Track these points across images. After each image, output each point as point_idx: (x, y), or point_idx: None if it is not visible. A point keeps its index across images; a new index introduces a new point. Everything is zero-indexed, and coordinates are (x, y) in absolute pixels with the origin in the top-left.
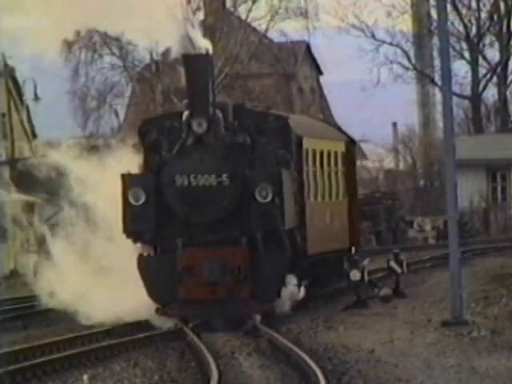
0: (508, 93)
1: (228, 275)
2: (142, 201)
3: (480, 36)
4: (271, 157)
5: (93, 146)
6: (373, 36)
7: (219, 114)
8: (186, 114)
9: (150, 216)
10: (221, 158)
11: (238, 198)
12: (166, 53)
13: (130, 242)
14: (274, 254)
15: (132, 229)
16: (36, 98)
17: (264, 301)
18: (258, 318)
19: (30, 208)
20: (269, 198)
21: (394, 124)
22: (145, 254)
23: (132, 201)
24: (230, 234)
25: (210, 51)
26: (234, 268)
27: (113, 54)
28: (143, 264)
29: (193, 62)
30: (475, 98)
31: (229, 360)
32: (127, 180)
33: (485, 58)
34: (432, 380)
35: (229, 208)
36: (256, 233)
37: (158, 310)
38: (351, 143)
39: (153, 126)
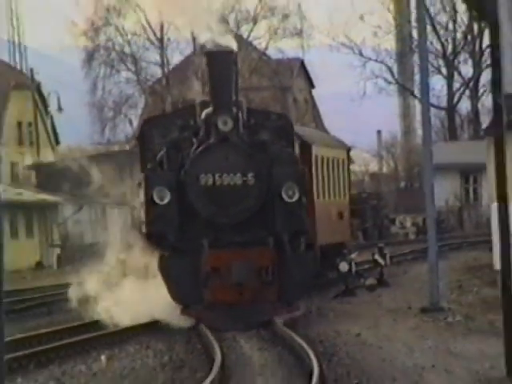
0: (479, 105)
1: (255, 277)
2: (166, 200)
3: (455, 54)
4: (290, 156)
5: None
6: (360, 53)
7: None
8: (205, 111)
9: (174, 216)
10: (246, 156)
11: (264, 198)
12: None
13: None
14: (302, 255)
15: (156, 229)
16: (59, 108)
17: (290, 303)
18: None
19: (53, 207)
20: (295, 198)
21: (379, 132)
22: (166, 254)
23: (156, 199)
24: (257, 235)
25: (235, 49)
26: (262, 269)
27: (128, 69)
28: (165, 265)
29: (217, 58)
30: (450, 109)
31: (231, 343)
32: (151, 178)
33: (459, 73)
34: (412, 360)
35: (254, 208)
36: (283, 233)
37: (183, 311)
38: (348, 150)
39: (168, 123)
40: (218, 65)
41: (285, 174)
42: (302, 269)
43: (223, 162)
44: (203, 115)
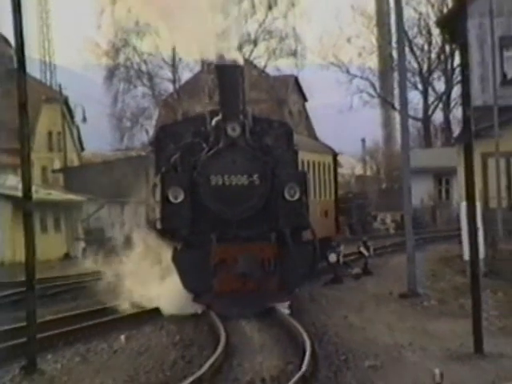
0: (451, 116)
1: (259, 268)
2: (180, 199)
3: (430, 72)
4: (292, 159)
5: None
6: (347, 71)
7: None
8: (215, 119)
9: (187, 213)
10: (252, 159)
11: (268, 197)
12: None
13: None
14: (303, 248)
15: (170, 225)
16: (84, 119)
17: (290, 292)
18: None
19: (78, 205)
20: (296, 197)
21: (363, 140)
22: (179, 247)
23: (171, 198)
24: (260, 230)
25: (241, 63)
26: (265, 261)
27: (144, 85)
28: (178, 257)
29: (226, 71)
30: (426, 120)
31: (234, 325)
32: (166, 179)
33: (433, 88)
34: (393, 339)
35: (259, 205)
36: (285, 228)
37: (194, 299)
38: (334, 155)
39: (181, 128)
40: (227, 77)
41: (287, 175)
42: (302, 260)
43: (231, 165)
44: (213, 122)
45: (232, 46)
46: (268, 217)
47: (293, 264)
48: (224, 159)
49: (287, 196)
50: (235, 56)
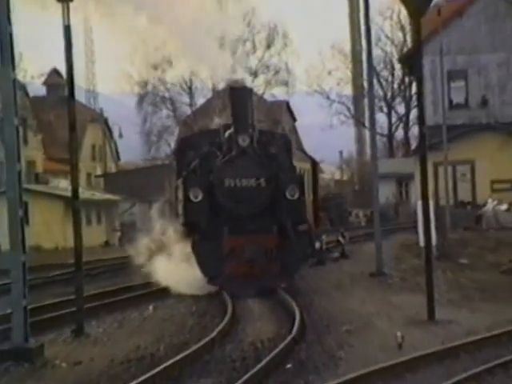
0: (409, 133)
1: (263, 256)
2: (199, 198)
3: (393, 98)
4: (292, 166)
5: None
6: (328, 97)
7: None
8: (228, 132)
9: (205, 211)
10: (259, 165)
11: (272, 196)
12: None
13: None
14: (301, 239)
15: (191, 220)
16: (120, 135)
17: (290, 276)
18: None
19: (115, 203)
20: (296, 196)
21: (340, 152)
22: (197, 238)
23: (192, 198)
24: (265, 224)
25: (250, 86)
26: (268, 250)
27: (167, 108)
28: (196, 246)
29: (238, 93)
30: (390, 136)
31: (239, 300)
32: (188, 182)
33: (396, 111)
34: (364, 308)
35: (264, 204)
36: (287, 222)
37: (209, 281)
38: (315, 163)
39: (200, 139)
40: (239, 97)
41: (288, 178)
42: (300, 249)
43: (242, 170)
44: (226, 134)
45: (239, 77)
46: (272, 213)
47: (292, 252)
48: (236, 165)
49: (288, 196)
50: (242, 83)
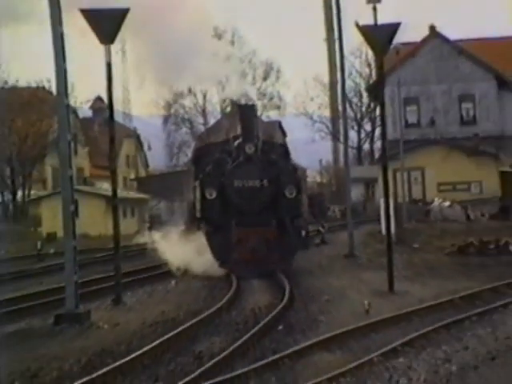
0: (374, 146)
1: (264, 245)
2: (212, 197)
3: (362, 119)
4: (290, 169)
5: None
6: (311, 118)
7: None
8: (237, 141)
9: (218, 207)
10: (262, 169)
11: (273, 195)
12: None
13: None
14: (297, 231)
15: (206, 214)
16: (149, 148)
17: (287, 261)
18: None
19: (145, 201)
20: (294, 195)
21: (320, 160)
22: (210, 230)
23: (207, 196)
24: (266, 218)
25: (256, 104)
26: (268, 240)
27: (186, 127)
28: (210, 236)
29: (245, 109)
30: (359, 148)
31: (241, 276)
32: (204, 183)
33: (364, 129)
34: (340, 283)
35: (266, 201)
36: (285, 217)
37: (220, 265)
38: (302, 170)
39: (214, 148)
40: (246, 112)
41: (287, 180)
42: (296, 239)
43: (248, 173)
44: (235, 144)
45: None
46: (273, 209)
47: (290, 242)
48: (243, 169)
49: (287, 194)
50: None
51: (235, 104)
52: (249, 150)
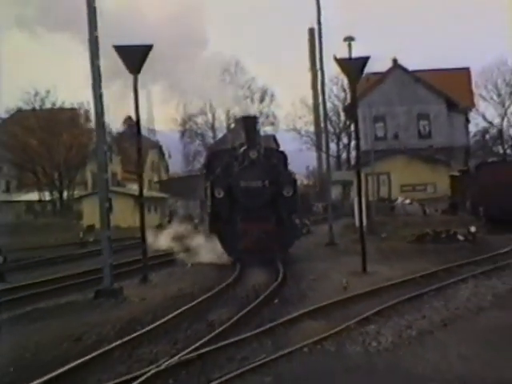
0: (350, 155)
1: (265, 237)
2: (221, 195)
3: (340, 133)
4: (288, 172)
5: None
6: (299, 133)
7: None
8: (242, 148)
9: (226, 204)
10: (264, 171)
11: (273, 194)
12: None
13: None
14: (293, 224)
15: (216, 210)
16: (169, 156)
17: (285, 251)
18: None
19: (165, 199)
20: (290, 194)
21: (307, 167)
22: (220, 224)
23: (216, 195)
24: (266, 214)
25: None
26: (268, 233)
27: (199, 140)
28: (219, 229)
29: (249, 120)
30: (338, 157)
31: (245, 263)
32: (214, 183)
33: (341, 141)
34: (323, 265)
35: (267, 199)
36: (283, 213)
37: (228, 254)
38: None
39: (222, 154)
40: (250, 123)
41: (285, 181)
42: (293, 232)
43: (252, 175)
44: (241, 150)
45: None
46: (272, 206)
47: (287, 234)
48: (248, 172)
49: (285, 194)
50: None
51: (239, 119)
52: (252, 156)
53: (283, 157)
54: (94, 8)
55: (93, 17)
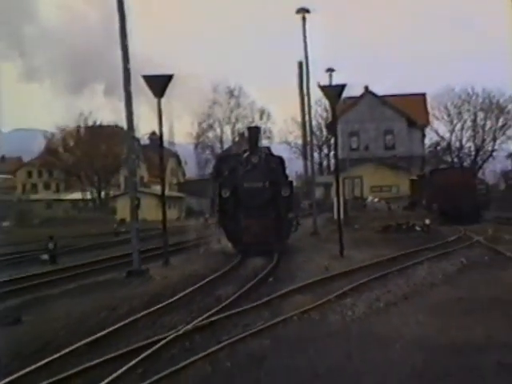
0: (330, 162)
1: (265, 231)
2: (227, 195)
3: (322, 145)
4: (285, 175)
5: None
6: (289, 144)
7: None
8: (246, 154)
9: (231, 203)
10: (264, 174)
11: (272, 193)
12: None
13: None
14: (290, 220)
15: (222, 208)
16: (185, 163)
17: (282, 243)
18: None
19: (182, 198)
20: (288, 193)
21: (296, 171)
22: (226, 220)
23: (223, 194)
24: (266, 211)
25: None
26: (267, 227)
27: (210, 150)
28: (226, 225)
29: (252, 130)
30: (320, 164)
31: (245, 253)
32: (221, 185)
33: (323, 152)
34: (309, 250)
35: (267, 198)
36: (282, 210)
37: (232, 246)
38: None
39: (229, 159)
40: (253, 132)
41: (283, 182)
42: (289, 226)
43: (254, 177)
44: (244, 155)
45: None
46: (272, 205)
47: (284, 229)
48: (250, 174)
49: (283, 193)
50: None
51: (243, 133)
52: (254, 160)
53: (281, 162)
54: (126, 45)
55: (125, 53)
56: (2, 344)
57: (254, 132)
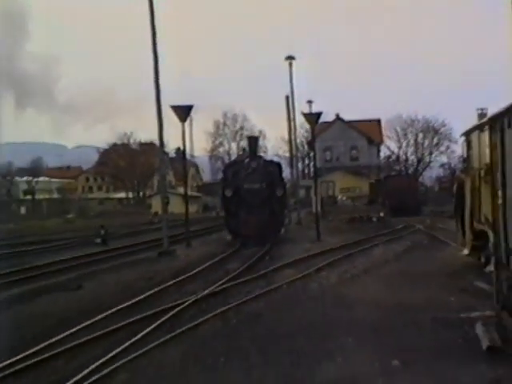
0: (311, 170)
1: (261, 225)
2: (230, 194)
3: (304, 157)
4: (281, 178)
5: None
6: (279, 157)
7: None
8: (246, 160)
9: (234, 201)
10: (262, 177)
11: (268, 193)
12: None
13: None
14: (282, 216)
15: (226, 206)
16: (203, 171)
17: (276, 235)
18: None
19: (199, 197)
20: (281, 193)
21: (285, 177)
22: (229, 216)
23: (226, 194)
24: (262, 209)
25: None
26: (263, 222)
27: (221, 161)
28: (228, 220)
29: (252, 139)
30: (303, 171)
31: (244, 244)
32: (225, 185)
33: (305, 162)
34: (294, 236)
35: (264, 198)
36: (276, 207)
37: (234, 238)
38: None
39: (233, 164)
40: (253, 141)
41: (278, 184)
42: (282, 221)
43: (253, 179)
44: (245, 161)
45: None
46: (268, 203)
47: (278, 223)
48: (250, 177)
49: (277, 194)
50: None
51: (245, 148)
52: (253, 165)
53: (279, 167)
54: (158, 77)
55: (157, 89)
56: (70, 303)
57: (254, 141)
